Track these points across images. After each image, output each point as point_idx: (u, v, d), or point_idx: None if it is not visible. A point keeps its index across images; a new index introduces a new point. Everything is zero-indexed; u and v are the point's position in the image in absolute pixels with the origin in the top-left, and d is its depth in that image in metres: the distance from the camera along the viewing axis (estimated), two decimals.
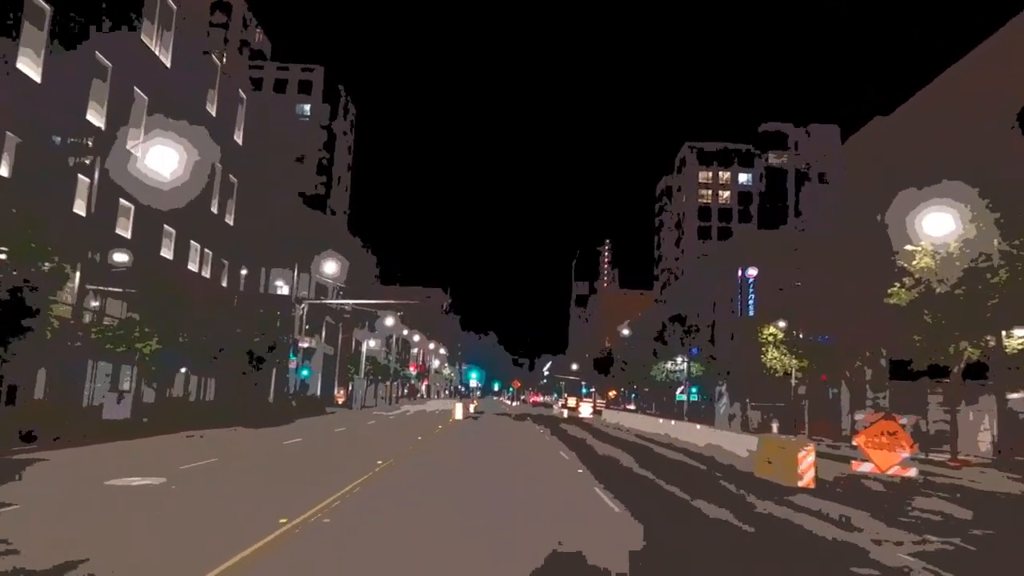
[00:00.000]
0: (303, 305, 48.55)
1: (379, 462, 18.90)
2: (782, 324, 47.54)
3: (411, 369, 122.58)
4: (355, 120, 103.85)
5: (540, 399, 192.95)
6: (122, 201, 32.08)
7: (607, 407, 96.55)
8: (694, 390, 66.87)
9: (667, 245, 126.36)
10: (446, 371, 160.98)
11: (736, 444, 25.28)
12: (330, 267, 50.90)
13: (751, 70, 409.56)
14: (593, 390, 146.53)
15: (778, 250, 66.71)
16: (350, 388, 73.43)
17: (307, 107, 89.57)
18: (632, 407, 67.52)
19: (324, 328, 71.33)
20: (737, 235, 68.29)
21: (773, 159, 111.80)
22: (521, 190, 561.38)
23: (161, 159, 22.81)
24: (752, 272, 66.28)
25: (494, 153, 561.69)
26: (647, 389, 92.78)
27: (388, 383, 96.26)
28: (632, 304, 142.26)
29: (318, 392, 69.53)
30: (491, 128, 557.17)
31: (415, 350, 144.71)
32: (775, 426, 47.69)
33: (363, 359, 66.84)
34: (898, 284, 28.34)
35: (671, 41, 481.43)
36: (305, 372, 64.10)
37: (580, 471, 19.57)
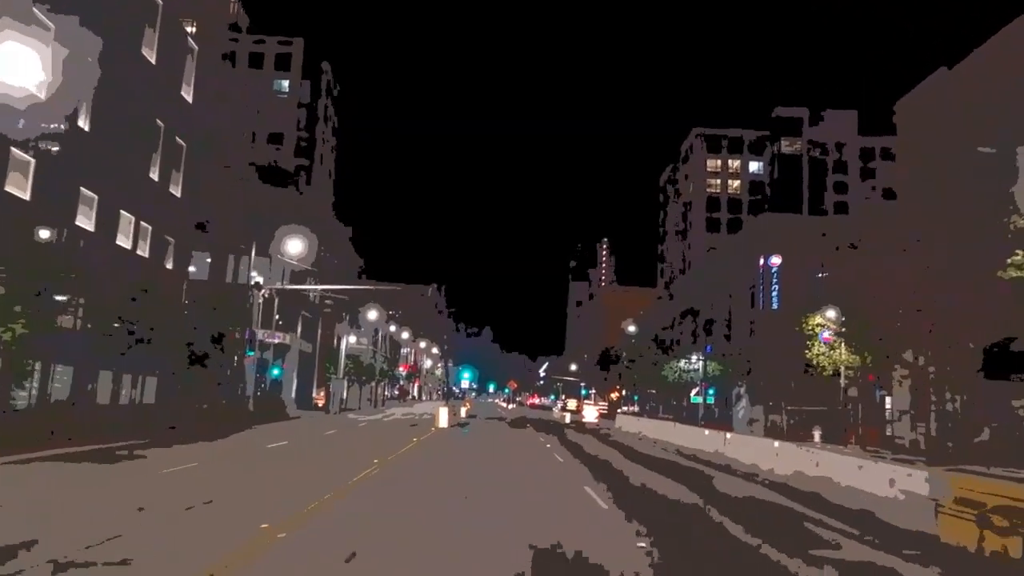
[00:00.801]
0: (263, 292, 41.56)
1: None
2: (831, 314, 40.61)
3: (401, 369, 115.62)
4: (340, 100, 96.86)
5: (538, 401, 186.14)
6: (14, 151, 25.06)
7: (612, 410, 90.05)
8: (711, 391, 60.03)
9: (672, 239, 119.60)
10: (439, 371, 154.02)
11: (867, 477, 15.77)
12: (295, 246, 43.53)
13: (758, 56, 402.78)
14: (593, 391, 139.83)
15: (804, 236, 59.98)
16: (330, 389, 66.56)
17: (285, 83, 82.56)
18: (635, 409, 60.89)
19: (300, 323, 64.43)
20: (757, 221, 61.50)
21: (786, 146, 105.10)
22: (517, 184, 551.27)
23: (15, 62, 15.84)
24: (775, 260, 59.50)
25: (490, 145, 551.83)
26: (655, 391, 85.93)
27: (374, 384, 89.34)
28: (633, 302, 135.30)
29: (292, 394, 62.68)
30: (488, 119, 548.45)
31: (405, 350, 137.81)
32: (817, 434, 40.81)
33: (342, 357, 59.95)
34: (1020, 252, 21.47)
35: (674, 27, 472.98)
36: (276, 371, 57.22)
37: (641, 546, 10.55)
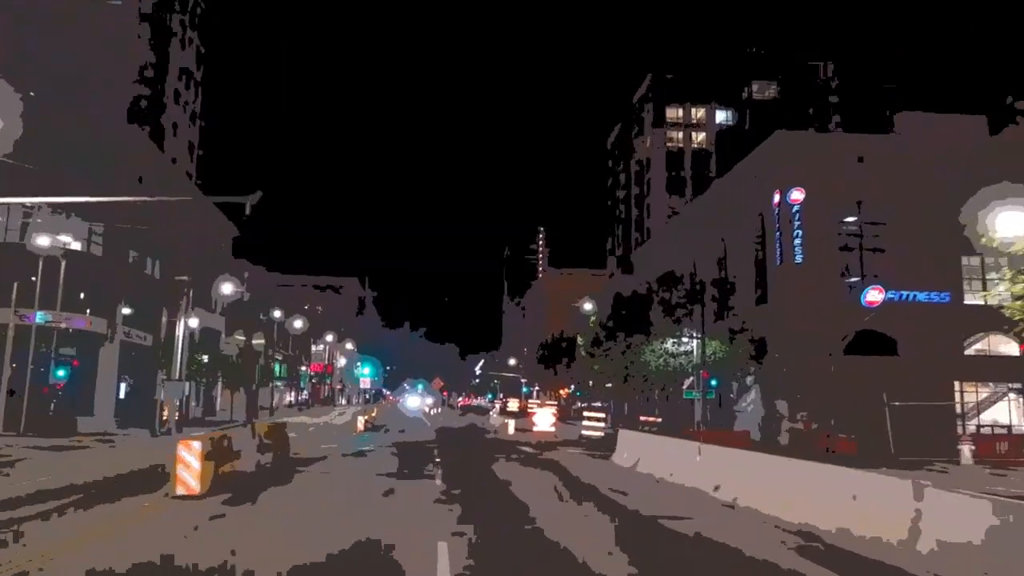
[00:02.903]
0: None
1: None
2: None
3: (305, 368, 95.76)
4: (208, 23, 75.99)
5: (474, 402, 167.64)
6: None
7: (563, 412, 72.23)
8: (713, 383, 42.41)
9: (625, 207, 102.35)
10: (357, 371, 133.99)
11: None
12: None
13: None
14: (537, 388, 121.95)
15: (833, 161, 43.07)
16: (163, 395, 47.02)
17: None
18: (599, 414, 42.76)
19: (127, 305, 44.76)
20: (770, 143, 44.09)
21: (758, 92, 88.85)
22: (437, 167, 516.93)
23: None
24: (797, 195, 42.26)
25: (406, 131, 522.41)
26: (611, 384, 68.25)
27: (266, 387, 69.67)
28: (581, 285, 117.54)
29: (112, 402, 43.08)
30: (399, 102, 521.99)
31: (318, 347, 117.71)
32: (967, 449, 23.27)
33: (179, 350, 40.47)
34: None
35: None
36: (61, 372, 37.52)
37: None
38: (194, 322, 41.90)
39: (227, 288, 42.44)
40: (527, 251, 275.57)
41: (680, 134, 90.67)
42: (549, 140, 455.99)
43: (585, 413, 42.54)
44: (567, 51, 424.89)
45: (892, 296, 40.98)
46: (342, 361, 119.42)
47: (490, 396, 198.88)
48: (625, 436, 24.61)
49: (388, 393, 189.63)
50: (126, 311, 45.24)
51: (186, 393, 42.80)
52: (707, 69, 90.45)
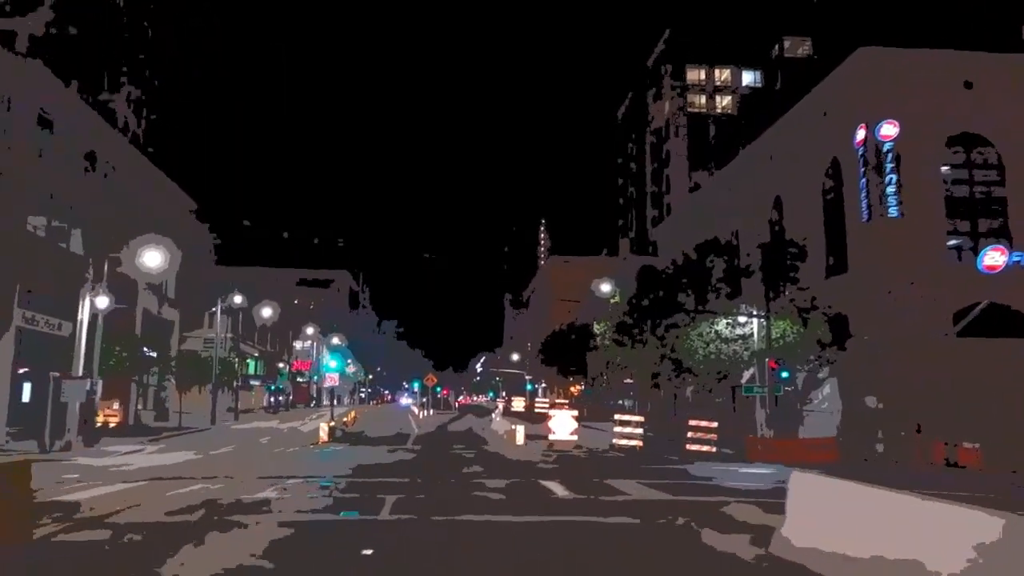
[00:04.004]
0: None
1: None
2: None
3: (283, 367, 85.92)
4: None
5: (471, 400, 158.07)
6: None
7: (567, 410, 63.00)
8: (784, 375, 32.50)
9: (639, 184, 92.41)
10: (351, 369, 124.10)
11: None
12: None
13: None
14: (543, 386, 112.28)
15: (929, 88, 33.45)
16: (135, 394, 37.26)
17: None
18: (635, 418, 32.59)
19: (31, 284, 34.87)
20: (852, 62, 33.95)
21: (789, 49, 78.91)
22: (432, 156, 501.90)
23: None
24: (889, 131, 32.46)
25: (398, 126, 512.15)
26: (632, 379, 58.40)
27: (234, 385, 59.84)
28: (590, 272, 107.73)
29: (6, 406, 33.19)
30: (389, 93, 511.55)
31: (304, 343, 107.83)
32: None
33: (81, 337, 30.68)
34: None
35: None
36: None
37: None
38: (103, 302, 31.97)
39: (153, 259, 32.48)
40: (527, 245, 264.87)
41: (702, 98, 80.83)
42: (545, 124, 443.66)
43: (617, 416, 32.58)
44: (560, 20, 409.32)
45: (1019, 258, 31.33)
46: (326, 357, 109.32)
47: (491, 394, 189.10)
48: (816, 488, 10.23)
49: (386, 392, 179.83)
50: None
51: (97, 394, 32.92)
52: (730, 25, 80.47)
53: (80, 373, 31.31)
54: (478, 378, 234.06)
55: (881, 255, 32.40)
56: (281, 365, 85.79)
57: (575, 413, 32.00)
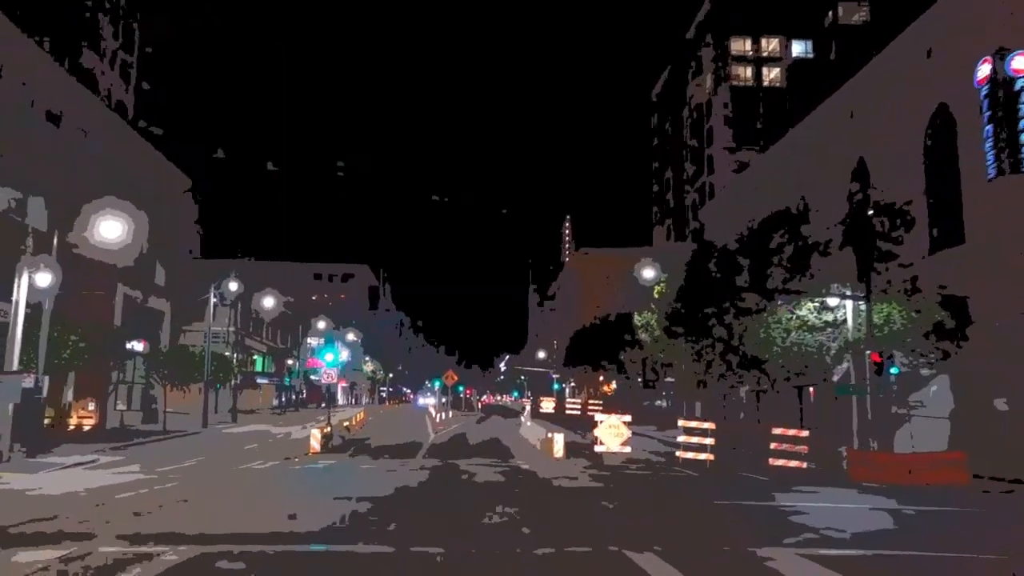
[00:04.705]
0: None
1: None
2: None
3: (295, 364, 80.00)
4: None
5: (494, 400, 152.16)
6: None
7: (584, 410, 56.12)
8: (894, 371, 25.78)
9: (677, 167, 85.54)
10: (368, 367, 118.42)
11: None
12: None
13: None
14: (572, 385, 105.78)
15: None
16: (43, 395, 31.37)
17: None
18: (704, 424, 26.16)
19: None
20: None
21: (844, 16, 71.81)
22: (453, 155, 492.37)
23: None
24: (1021, 63, 25.64)
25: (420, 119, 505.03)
26: (673, 378, 51.81)
27: (232, 383, 54.10)
28: (620, 265, 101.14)
29: None
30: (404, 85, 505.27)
31: (319, 340, 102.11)
32: None
33: (15, 324, 24.73)
34: None
35: None
36: None
37: None
38: (44, 280, 25.94)
39: (111, 229, 26.38)
40: (552, 242, 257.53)
41: (748, 70, 73.84)
42: (568, 115, 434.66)
43: (682, 423, 26.00)
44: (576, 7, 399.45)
45: None
46: (344, 354, 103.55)
47: (515, 394, 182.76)
48: None
49: (408, 392, 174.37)
50: None
51: (43, 393, 26.91)
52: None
53: (15, 367, 25.31)
54: (502, 377, 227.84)
55: (1013, 221, 25.62)
56: (291, 362, 79.94)
57: (627, 418, 25.49)
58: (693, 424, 25.12)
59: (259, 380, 74.32)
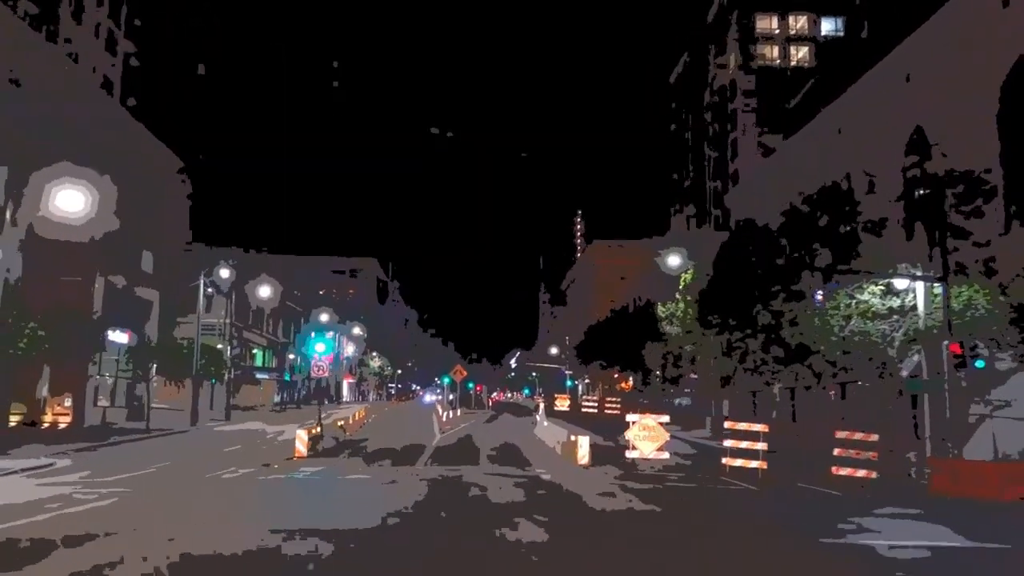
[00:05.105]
0: None
1: None
2: None
3: (298, 359, 76.43)
4: None
5: (504, 397, 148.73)
6: None
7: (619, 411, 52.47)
8: (979, 366, 21.87)
9: (697, 154, 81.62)
10: (375, 362, 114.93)
11: None
12: None
13: None
14: (586, 381, 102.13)
15: None
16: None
17: None
18: (755, 427, 22.40)
19: None
20: None
21: None
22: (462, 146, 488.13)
23: None
24: None
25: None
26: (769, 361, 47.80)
27: (226, 378, 50.73)
28: (637, 257, 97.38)
29: None
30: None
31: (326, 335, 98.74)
32: None
33: None
34: None
35: None
36: None
37: None
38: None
39: (71, 200, 22.91)
40: (563, 237, 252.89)
41: (774, 50, 69.86)
42: (578, 107, 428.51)
43: (728, 426, 22.25)
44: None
45: None
46: (350, 349, 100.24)
47: (526, 391, 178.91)
48: None
49: (418, 388, 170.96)
50: None
51: None
52: None
53: None
54: (512, 374, 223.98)
55: None
56: (292, 357, 76.47)
57: (664, 418, 21.84)
58: (742, 427, 21.38)
59: (259, 375, 70.89)
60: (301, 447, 22.73)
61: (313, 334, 26.67)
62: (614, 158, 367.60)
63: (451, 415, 47.17)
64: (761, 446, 20.83)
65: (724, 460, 20.97)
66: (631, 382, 70.52)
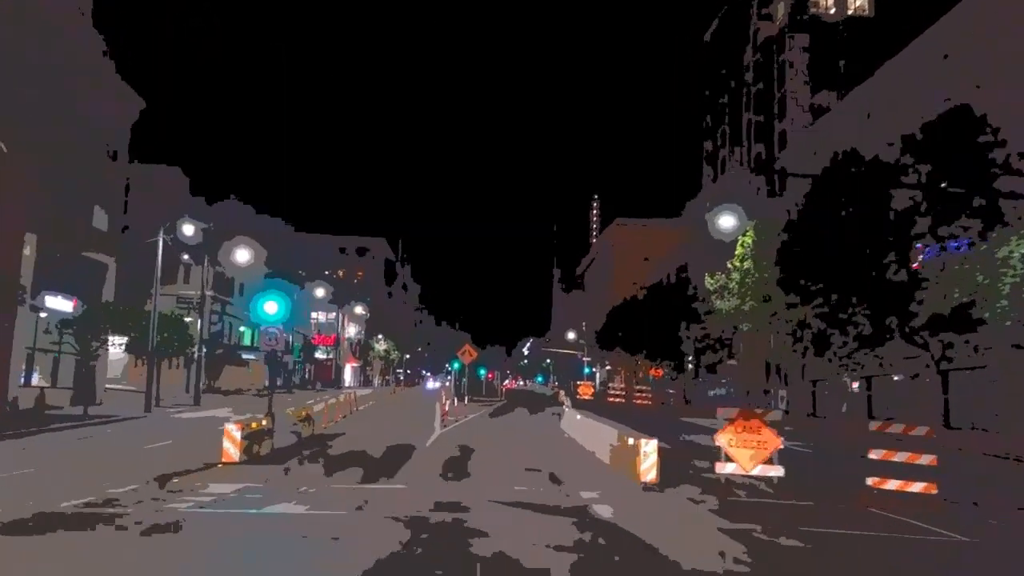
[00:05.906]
0: None
1: None
2: None
3: (292, 339, 69.47)
4: None
5: (516, 385, 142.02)
6: None
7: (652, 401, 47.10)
8: None
9: (735, 117, 73.72)
10: (380, 346, 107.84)
11: None
12: None
13: None
14: (607, 367, 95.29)
15: None
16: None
17: None
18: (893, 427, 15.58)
19: None
20: None
21: None
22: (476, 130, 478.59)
23: None
24: None
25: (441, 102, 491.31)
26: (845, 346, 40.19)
27: (196, 356, 43.87)
28: (662, 237, 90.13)
29: None
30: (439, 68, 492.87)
31: (328, 316, 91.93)
32: None
33: None
34: None
35: None
36: None
37: None
38: None
39: None
40: (579, 223, 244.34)
41: None
42: (592, 80, 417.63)
43: (874, 427, 14.72)
44: None
45: None
46: (352, 330, 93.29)
47: (540, 379, 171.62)
48: None
49: (427, 374, 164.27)
50: None
51: None
52: None
53: None
54: (525, 361, 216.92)
55: None
56: (289, 337, 69.38)
57: (774, 416, 14.51)
58: (894, 430, 13.94)
59: (245, 356, 64.04)
60: (230, 448, 15.50)
61: (265, 294, 19.23)
62: (632, 140, 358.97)
63: (456, 405, 39.69)
64: (927, 460, 13.44)
65: (870, 481, 13.56)
66: (660, 370, 63.12)
